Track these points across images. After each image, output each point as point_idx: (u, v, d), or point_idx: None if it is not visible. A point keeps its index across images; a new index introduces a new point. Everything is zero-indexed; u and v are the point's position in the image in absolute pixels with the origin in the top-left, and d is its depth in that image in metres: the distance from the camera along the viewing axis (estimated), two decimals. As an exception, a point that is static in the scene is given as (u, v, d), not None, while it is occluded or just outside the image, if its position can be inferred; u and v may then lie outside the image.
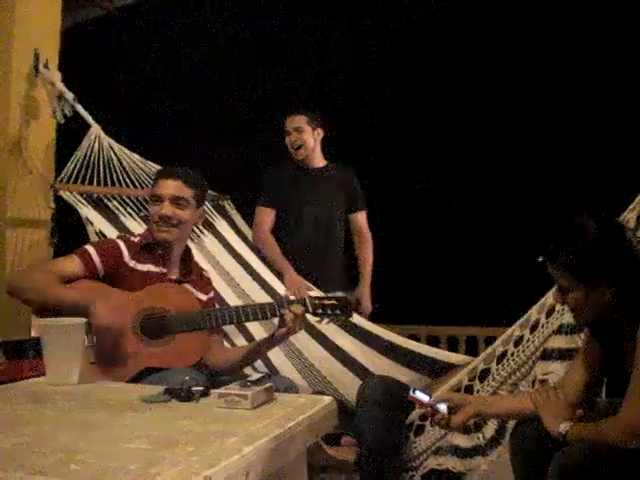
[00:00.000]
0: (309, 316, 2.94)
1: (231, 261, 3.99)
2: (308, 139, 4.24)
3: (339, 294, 3.00)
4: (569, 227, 2.22)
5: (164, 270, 2.88)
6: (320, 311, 2.89)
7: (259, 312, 2.86)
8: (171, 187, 2.89)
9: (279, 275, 4.01)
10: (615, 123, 5.79)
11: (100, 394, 2.11)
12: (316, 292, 3.82)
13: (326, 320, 2.98)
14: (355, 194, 4.38)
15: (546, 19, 6.11)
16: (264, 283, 3.96)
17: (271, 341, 2.93)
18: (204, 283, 3.06)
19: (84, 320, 2.24)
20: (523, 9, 6.11)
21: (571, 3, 5.92)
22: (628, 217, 2.79)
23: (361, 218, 4.42)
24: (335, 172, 4.35)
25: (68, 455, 1.45)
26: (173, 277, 2.92)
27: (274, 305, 2.88)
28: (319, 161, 4.33)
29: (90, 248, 2.80)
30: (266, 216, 4.21)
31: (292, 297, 3.18)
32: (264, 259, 4.11)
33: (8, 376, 2.23)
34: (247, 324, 3.53)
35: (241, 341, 3.54)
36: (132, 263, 2.82)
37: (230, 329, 3.46)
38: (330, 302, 2.91)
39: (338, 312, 2.91)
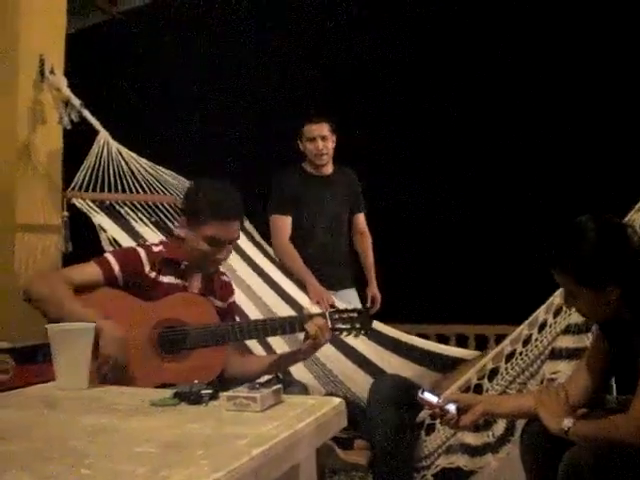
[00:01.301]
0: None
1: (246, 268, 3.98)
2: (331, 146, 4.35)
3: (358, 307, 3.02)
4: (569, 231, 2.22)
5: (186, 283, 2.84)
6: (340, 325, 2.87)
7: (281, 326, 2.83)
8: (234, 231, 2.81)
9: (297, 282, 4.04)
10: (619, 123, 5.79)
11: (109, 398, 2.11)
12: (338, 303, 3.89)
13: (345, 334, 2.95)
14: (358, 196, 4.53)
15: (548, 20, 6.11)
16: (277, 287, 3.97)
17: (296, 355, 2.91)
18: (225, 289, 3.01)
19: (93, 325, 2.25)
20: (527, 9, 6.11)
21: (574, 3, 5.92)
22: (634, 217, 2.79)
23: (362, 218, 4.57)
24: (341, 176, 4.46)
25: (78, 459, 1.45)
26: (195, 291, 2.87)
27: (296, 319, 2.86)
28: (330, 167, 4.42)
29: (110, 257, 2.75)
30: (283, 224, 4.24)
31: (314, 309, 3.16)
32: (280, 266, 4.12)
33: (18, 382, 2.24)
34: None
35: (259, 352, 3.53)
36: (153, 274, 2.76)
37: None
38: (350, 316, 2.89)
39: (358, 325, 2.89)
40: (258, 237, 4.25)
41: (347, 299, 4.23)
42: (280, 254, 4.21)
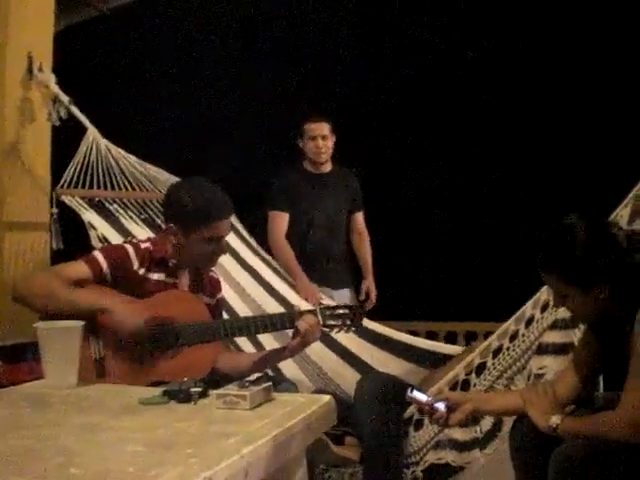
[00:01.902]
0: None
1: (235, 265, 3.98)
2: (331, 145, 4.46)
3: (350, 304, 3.03)
4: (557, 232, 2.23)
5: (175, 280, 2.83)
6: (331, 322, 2.88)
7: (272, 323, 2.83)
8: (229, 225, 2.86)
9: (285, 279, 4.06)
10: (609, 121, 5.83)
11: (99, 396, 2.12)
12: (327, 301, 3.91)
13: (336, 330, 2.96)
14: (357, 196, 4.61)
15: (545, 21, 6.14)
16: (266, 284, 3.97)
17: (283, 353, 2.89)
18: (213, 285, 3.01)
19: (81, 323, 2.25)
20: (524, 10, 6.14)
21: (572, 3, 5.95)
22: (621, 213, 2.79)
23: (360, 218, 4.64)
24: (340, 175, 4.57)
25: (67, 458, 1.46)
26: (184, 288, 2.86)
27: (287, 316, 2.84)
28: (328, 166, 4.52)
29: (97, 254, 2.73)
30: (281, 220, 4.33)
31: (304, 307, 3.19)
32: (269, 262, 4.13)
33: (6, 380, 2.24)
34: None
35: (249, 348, 3.52)
36: (141, 271, 2.74)
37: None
38: (341, 312, 2.89)
39: (349, 322, 2.90)
40: (246, 234, 4.25)
41: (343, 299, 4.30)
42: (274, 249, 4.26)
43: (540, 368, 2.84)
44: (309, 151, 4.43)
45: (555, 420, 2.16)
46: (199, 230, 2.74)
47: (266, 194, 4.42)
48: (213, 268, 3.06)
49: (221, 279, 3.16)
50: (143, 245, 2.81)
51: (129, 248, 2.77)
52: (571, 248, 2.15)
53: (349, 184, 4.58)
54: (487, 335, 4.08)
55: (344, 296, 4.44)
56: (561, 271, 2.18)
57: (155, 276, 2.77)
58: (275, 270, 4.10)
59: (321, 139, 4.39)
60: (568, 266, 2.16)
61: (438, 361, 3.61)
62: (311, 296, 3.96)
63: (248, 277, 3.96)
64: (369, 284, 4.56)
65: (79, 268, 2.68)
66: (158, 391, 2.02)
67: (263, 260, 4.14)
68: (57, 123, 3.71)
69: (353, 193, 4.59)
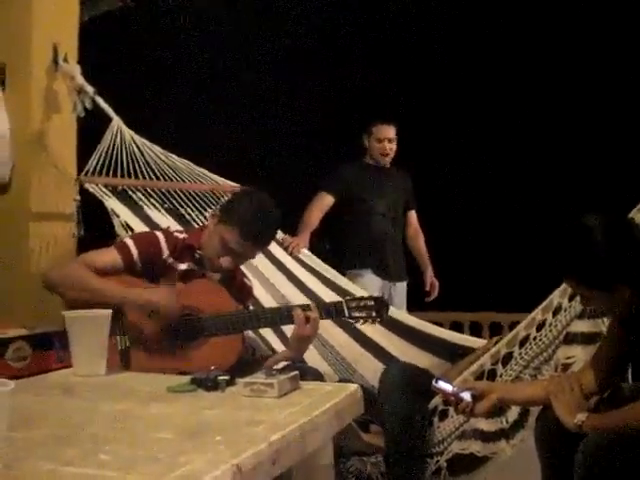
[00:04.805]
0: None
1: (263, 260, 3.96)
2: (394, 148, 4.74)
3: (375, 295, 3.04)
4: (573, 236, 2.20)
5: (204, 272, 2.82)
6: (356, 314, 2.87)
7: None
8: (252, 252, 2.87)
9: (313, 272, 4.05)
10: (631, 120, 5.82)
11: (127, 384, 2.13)
12: (308, 259, 4.04)
13: (361, 322, 2.96)
14: (412, 193, 4.93)
15: (554, 22, 6.13)
16: (295, 278, 3.94)
17: (287, 354, 2.89)
18: (244, 290, 3.01)
19: (109, 311, 2.26)
20: (538, 10, 6.14)
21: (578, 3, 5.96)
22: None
23: (414, 215, 4.99)
24: (398, 170, 4.88)
25: (97, 445, 1.46)
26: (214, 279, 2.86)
27: (306, 308, 2.83)
28: (388, 162, 4.81)
29: (129, 241, 2.76)
30: (325, 200, 4.61)
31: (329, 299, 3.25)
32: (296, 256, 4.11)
33: (35, 368, 2.25)
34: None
35: (273, 339, 3.51)
36: (170, 260, 2.76)
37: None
38: (366, 304, 2.89)
39: (374, 314, 2.89)
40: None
41: (401, 292, 4.72)
42: (303, 219, 4.48)
43: (568, 358, 2.82)
44: (374, 151, 4.71)
45: (580, 417, 2.15)
46: (227, 230, 2.74)
47: (322, 178, 4.69)
48: (248, 276, 3.08)
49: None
50: (179, 235, 2.83)
51: (160, 236, 2.78)
52: (589, 254, 2.13)
53: (406, 180, 4.88)
54: (512, 325, 4.07)
55: (401, 289, 4.77)
56: (580, 277, 2.18)
57: (183, 266, 2.78)
58: (302, 264, 4.07)
59: (387, 142, 4.66)
60: (587, 272, 2.15)
61: (460, 354, 3.60)
62: (295, 245, 4.05)
63: (273, 268, 3.93)
64: (431, 278, 4.91)
65: (110, 255, 2.69)
66: (186, 379, 2.03)
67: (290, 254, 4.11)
68: (82, 114, 3.70)
69: (409, 189, 4.88)
